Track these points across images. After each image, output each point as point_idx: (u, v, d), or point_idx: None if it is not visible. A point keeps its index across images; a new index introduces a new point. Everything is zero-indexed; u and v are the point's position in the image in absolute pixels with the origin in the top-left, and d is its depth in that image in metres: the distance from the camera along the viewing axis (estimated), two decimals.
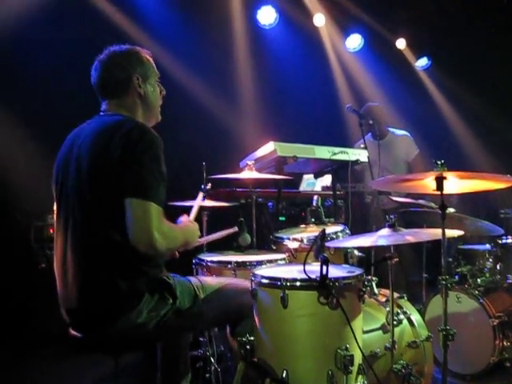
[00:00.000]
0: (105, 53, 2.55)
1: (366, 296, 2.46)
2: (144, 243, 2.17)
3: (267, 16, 6.36)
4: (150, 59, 2.61)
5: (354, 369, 2.31)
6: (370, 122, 4.57)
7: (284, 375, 2.27)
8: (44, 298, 2.93)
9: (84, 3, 5.14)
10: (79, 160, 2.34)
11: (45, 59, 4.91)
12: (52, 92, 4.89)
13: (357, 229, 3.51)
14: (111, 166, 2.23)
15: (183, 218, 2.68)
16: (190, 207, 3.50)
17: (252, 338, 2.50)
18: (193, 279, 2.56)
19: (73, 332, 2.38)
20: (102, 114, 2.54)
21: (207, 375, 3.13)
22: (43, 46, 4.92)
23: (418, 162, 5.36)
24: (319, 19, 6.54)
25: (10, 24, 4.68)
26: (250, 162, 3.53)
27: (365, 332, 2.66)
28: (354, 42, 7.04)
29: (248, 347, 2.50)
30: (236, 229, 3.14)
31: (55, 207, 2.48)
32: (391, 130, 5.49)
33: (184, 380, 2.72)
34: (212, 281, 2.62)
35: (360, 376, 2.37)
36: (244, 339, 2.51)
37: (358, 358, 2.34)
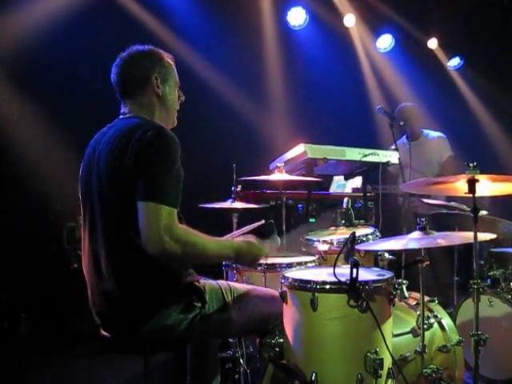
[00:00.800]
0: (127, 51, 2.55)
1: (396, 299, 2.44)
2: (154, 246, 2.14)
3: (297, 17, 6.35)
4: (172, 64, 2.61)
5: (384, 372, 2.30)
6: (401, 123, 4.53)
7: (313, 378, 2.26)
8: (76, 298, 2.97)
9: (115, 6, 5.22)
10: (99, 165, 2.35)
11: (80, 62, 5.00)
12: (84, 94, 4.95)
13: (387, 231, 3.48)
14: (127, 172, 2.22)
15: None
16: (219, 209, 3.51)
17: (281, 340, 2.51)
18: (222, 283, 2.55)
19: (103, 332, 2.40)
20: (121, 117, 2.53)
21: (236, 376, 3.13)
22: (79, 49, 5.01)
23: (449, 165, 5.23)
24: (349, 20, 6.51)
25: (50, 27, 4.79)
26: (280, 164, 3.54)
27: (395, 335, 2.65)
28: (385, 42, 6.97)
29: (277, 349, 2.50)
30: (263, 221, 3.05)
31: (81, 209, 2.49)
32: (426, 131, 5.40)
33: (214, 381, 2.73)
34: (241, 287, 2.61)
35: (390, 380, 2.35)
36: (273, 341, 2.52)
37: (387, 362, 2.33)
